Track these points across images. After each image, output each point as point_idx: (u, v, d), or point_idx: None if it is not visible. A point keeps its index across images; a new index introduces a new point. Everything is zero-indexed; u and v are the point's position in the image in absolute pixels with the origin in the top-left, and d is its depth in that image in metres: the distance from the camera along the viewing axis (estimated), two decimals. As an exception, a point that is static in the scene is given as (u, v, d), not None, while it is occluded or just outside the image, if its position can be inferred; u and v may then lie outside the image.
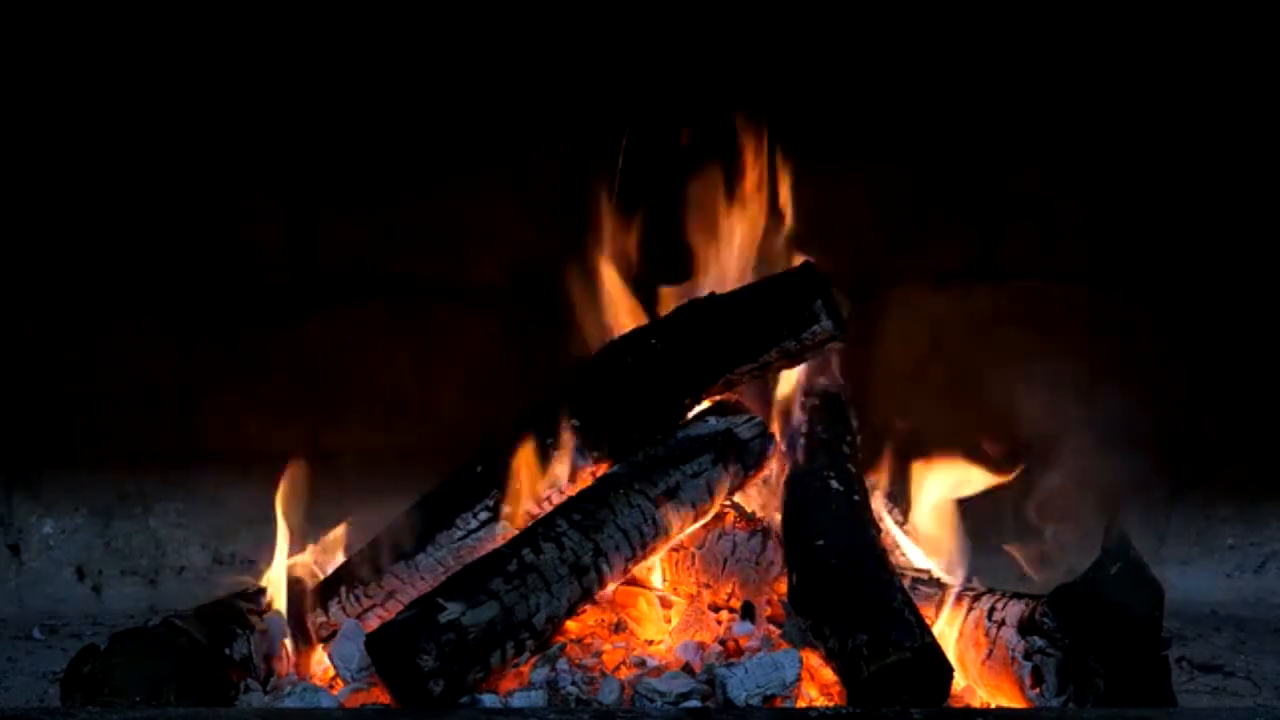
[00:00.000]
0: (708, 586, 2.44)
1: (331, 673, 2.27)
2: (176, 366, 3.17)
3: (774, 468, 2.49)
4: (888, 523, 2.56)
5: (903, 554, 2.54)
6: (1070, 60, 3.10)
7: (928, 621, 2.10)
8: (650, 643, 2.33)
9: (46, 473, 3.19)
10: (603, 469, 2.41)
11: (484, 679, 2.07)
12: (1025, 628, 2.10)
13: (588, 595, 2.22)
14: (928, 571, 2.43)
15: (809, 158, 2.71)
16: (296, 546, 2.43)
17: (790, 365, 2.50)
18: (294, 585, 2.36)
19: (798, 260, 2.54)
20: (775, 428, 2.52)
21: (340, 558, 2.49)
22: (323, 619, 2.36)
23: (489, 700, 2.06)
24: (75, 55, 3.07)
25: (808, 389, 2.61)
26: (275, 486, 2.41)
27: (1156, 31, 3.08)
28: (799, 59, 3.01)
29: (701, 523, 2.41)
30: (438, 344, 3.17)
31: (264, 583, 2.36)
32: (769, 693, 2.06)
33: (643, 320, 2.59)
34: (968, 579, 2.33)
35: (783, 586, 2.30)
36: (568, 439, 2.42)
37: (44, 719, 2.06)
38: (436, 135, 3.13)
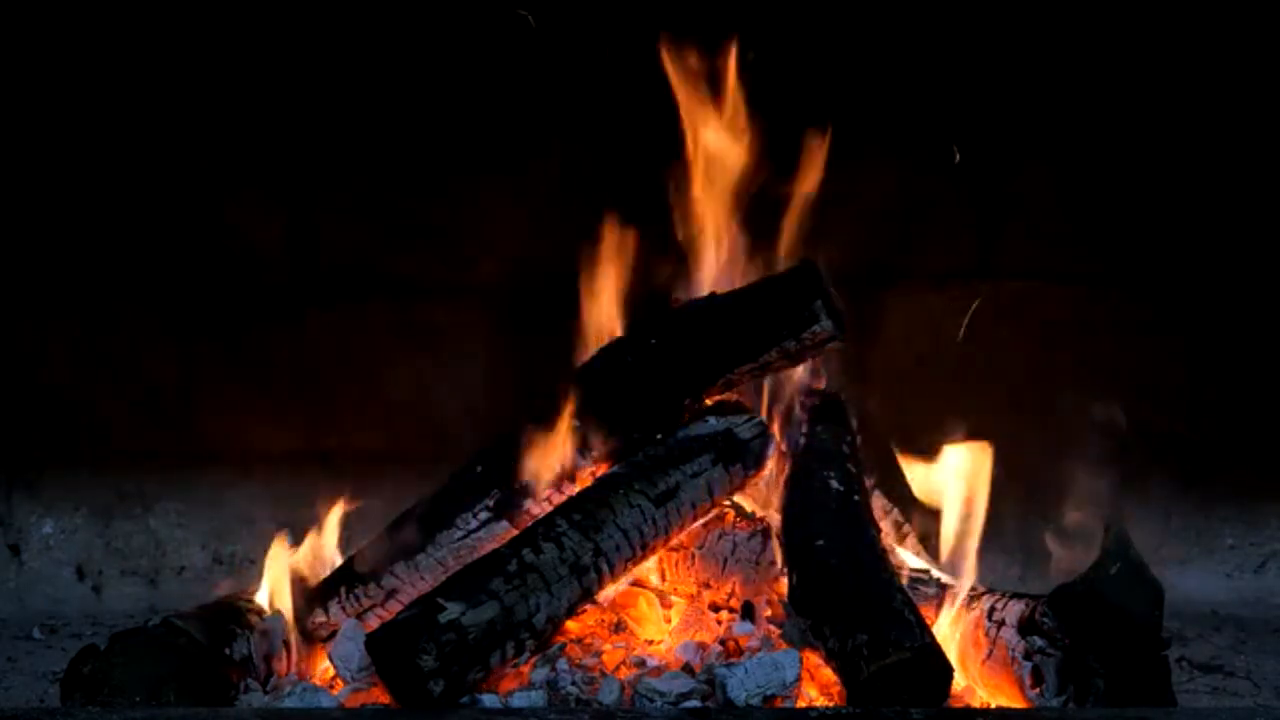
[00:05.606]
0: (708, 586, 2.44)
1: (331, 673, 2.27)
2: (176, 366, 3.18)
3: (774, 468, 2.49)
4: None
5: (903, 554, 2.54)
6: (1069, 60, 3.10)
7: (928, 621, 2.10)
8: (650, 643, 2.33)
9: (46, 473, 3.20)
10: (603, 469, 2.41)
11: (484, 679, 2.07)
12: (1025, 628, 2.10)
13: (588, 595, 2.22)
14: (927, 571, 2.43)
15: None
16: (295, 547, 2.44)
17: (790, 365, 2.49)
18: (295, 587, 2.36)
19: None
20: (775, 428, 2.51)
21: (339, 558, 2.49)
22: (323, 619, 2.36)
23: (489, 700, 2.06)
24: (76, 56, 3.07)
25: (808, 389, 2.61)
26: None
27: (1155, 31, 3.08)
28: (799, 59, 3.01)
29: (701, 523, 2.41)
30: (437, 344, 3.17)
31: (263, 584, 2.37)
32: (769, 693, 2.06)
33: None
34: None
35: (783, 586, 2.30)
36: (568, 439, 2.41)
37: (44, 719, 2.06)
38: (436, 135, 3.13)
